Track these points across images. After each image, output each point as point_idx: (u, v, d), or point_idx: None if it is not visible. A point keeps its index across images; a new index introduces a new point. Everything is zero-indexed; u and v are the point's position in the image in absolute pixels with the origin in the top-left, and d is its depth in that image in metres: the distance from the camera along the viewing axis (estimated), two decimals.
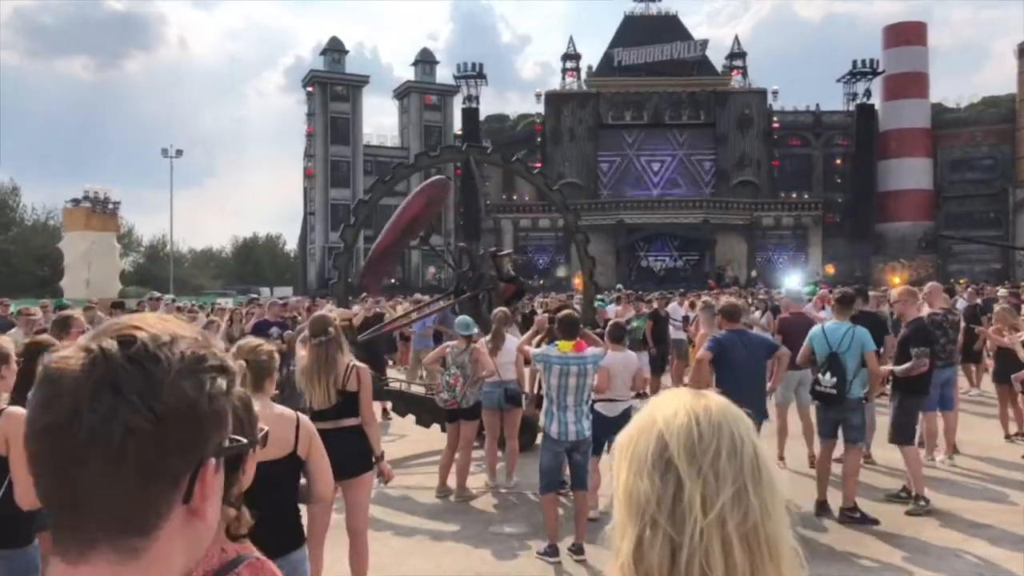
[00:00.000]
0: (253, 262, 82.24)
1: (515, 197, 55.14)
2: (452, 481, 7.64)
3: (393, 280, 57.14)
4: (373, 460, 4.79)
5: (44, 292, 48.48)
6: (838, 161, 60.05)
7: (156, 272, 71.26)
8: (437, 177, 10.91)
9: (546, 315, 8.07)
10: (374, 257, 10.89)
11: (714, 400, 1.19)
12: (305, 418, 3.26)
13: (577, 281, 49.20)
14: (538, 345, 7.17)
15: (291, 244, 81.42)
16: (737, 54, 62.77)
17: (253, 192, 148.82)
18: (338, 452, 4.68)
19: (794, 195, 58.11)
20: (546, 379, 5.91)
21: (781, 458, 8.59)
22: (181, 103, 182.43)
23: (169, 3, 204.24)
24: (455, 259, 11.15)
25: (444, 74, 65.69)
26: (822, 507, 6.87)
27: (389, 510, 7.16)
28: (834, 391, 6.79)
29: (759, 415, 6.77)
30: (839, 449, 7.04)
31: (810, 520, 6.72)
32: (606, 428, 6.54)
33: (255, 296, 15.79)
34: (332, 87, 60.90)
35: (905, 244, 56.31)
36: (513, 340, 7.90)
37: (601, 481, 6.71)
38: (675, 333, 13.87)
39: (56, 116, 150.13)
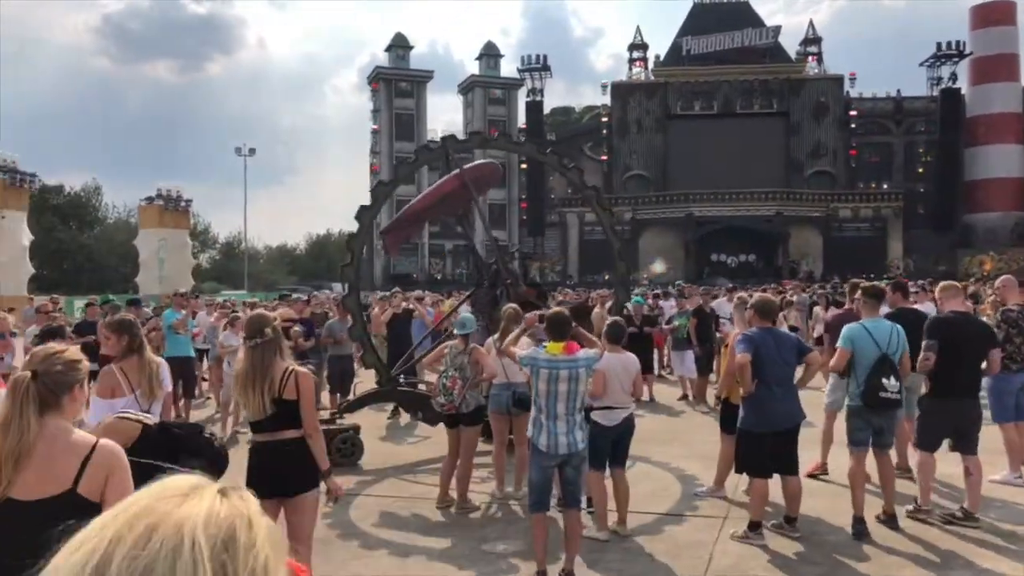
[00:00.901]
0: (326, 258, 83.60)
1: None
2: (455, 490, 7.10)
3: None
4: (319, 476, 4.27)
5: (127, 288, 50.26)
6: (920, 149, 57.14)
7: (232, 268, 73.12)
8: (488, 160, 10.42)
9: (536, 313, 7.40)
10: (404, 217, 10.39)
11: (183, 513, 0.71)
12: (110, 447, 2.44)
13: (653, 270, 48.30)
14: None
15: None
16: (812, 40, 60.25)
17: (329, 189, 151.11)
18: (275, 468, 4.21)
19: (873, 185, 55.57)
20: (534, 385, 5.31)
21: (824, 466, 7.78)
22: (263, 103, 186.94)
23: (249, 5, 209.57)
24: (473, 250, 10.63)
25: (511, 68, 65.28)
26: (859, 524, 6.06)
27: (381, 524, 6.67)
28: (899, 395, 6.22)
29: (794, 417, 6.04)
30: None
31: (847, 545, 5.93)
32: (605, 439, 5.92)
33: (286, 293, 15.67)
34: (396, 83, 61.26)
35: (996, 236, 53.12)
36: (521, 340, 7.29)
37: (605, 498, 6.10)
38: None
39: (143, 118, 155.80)
